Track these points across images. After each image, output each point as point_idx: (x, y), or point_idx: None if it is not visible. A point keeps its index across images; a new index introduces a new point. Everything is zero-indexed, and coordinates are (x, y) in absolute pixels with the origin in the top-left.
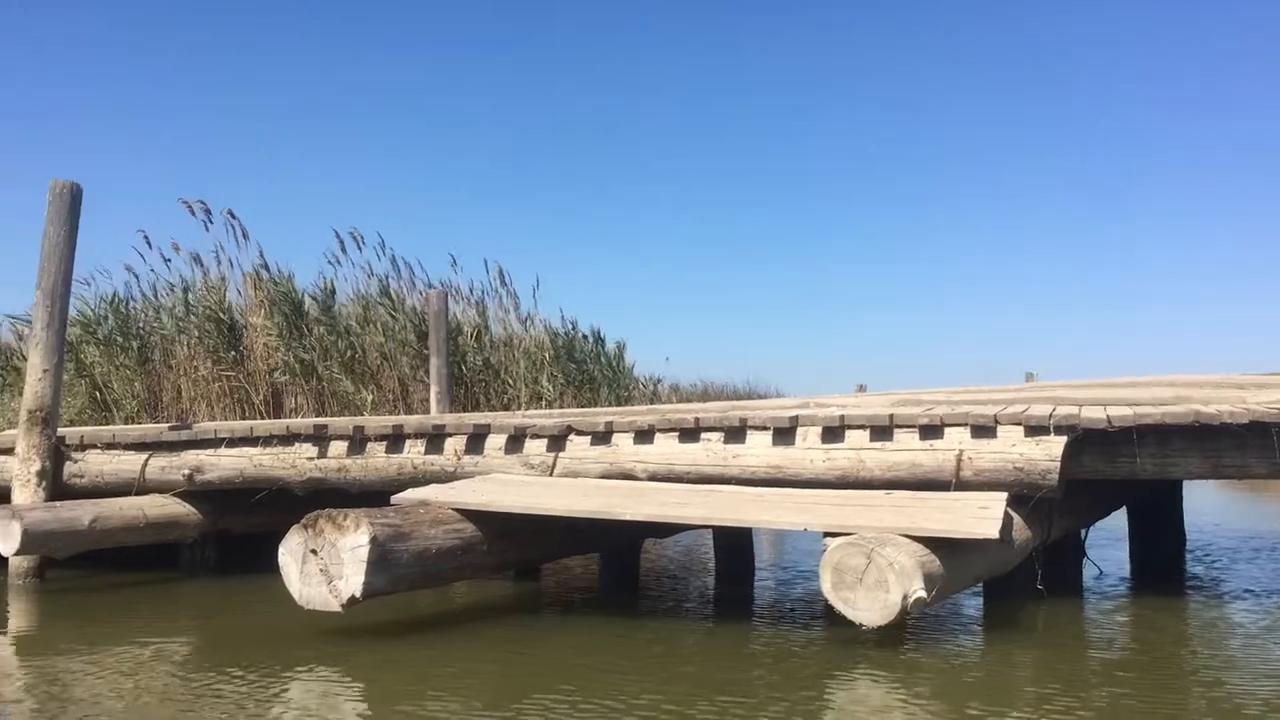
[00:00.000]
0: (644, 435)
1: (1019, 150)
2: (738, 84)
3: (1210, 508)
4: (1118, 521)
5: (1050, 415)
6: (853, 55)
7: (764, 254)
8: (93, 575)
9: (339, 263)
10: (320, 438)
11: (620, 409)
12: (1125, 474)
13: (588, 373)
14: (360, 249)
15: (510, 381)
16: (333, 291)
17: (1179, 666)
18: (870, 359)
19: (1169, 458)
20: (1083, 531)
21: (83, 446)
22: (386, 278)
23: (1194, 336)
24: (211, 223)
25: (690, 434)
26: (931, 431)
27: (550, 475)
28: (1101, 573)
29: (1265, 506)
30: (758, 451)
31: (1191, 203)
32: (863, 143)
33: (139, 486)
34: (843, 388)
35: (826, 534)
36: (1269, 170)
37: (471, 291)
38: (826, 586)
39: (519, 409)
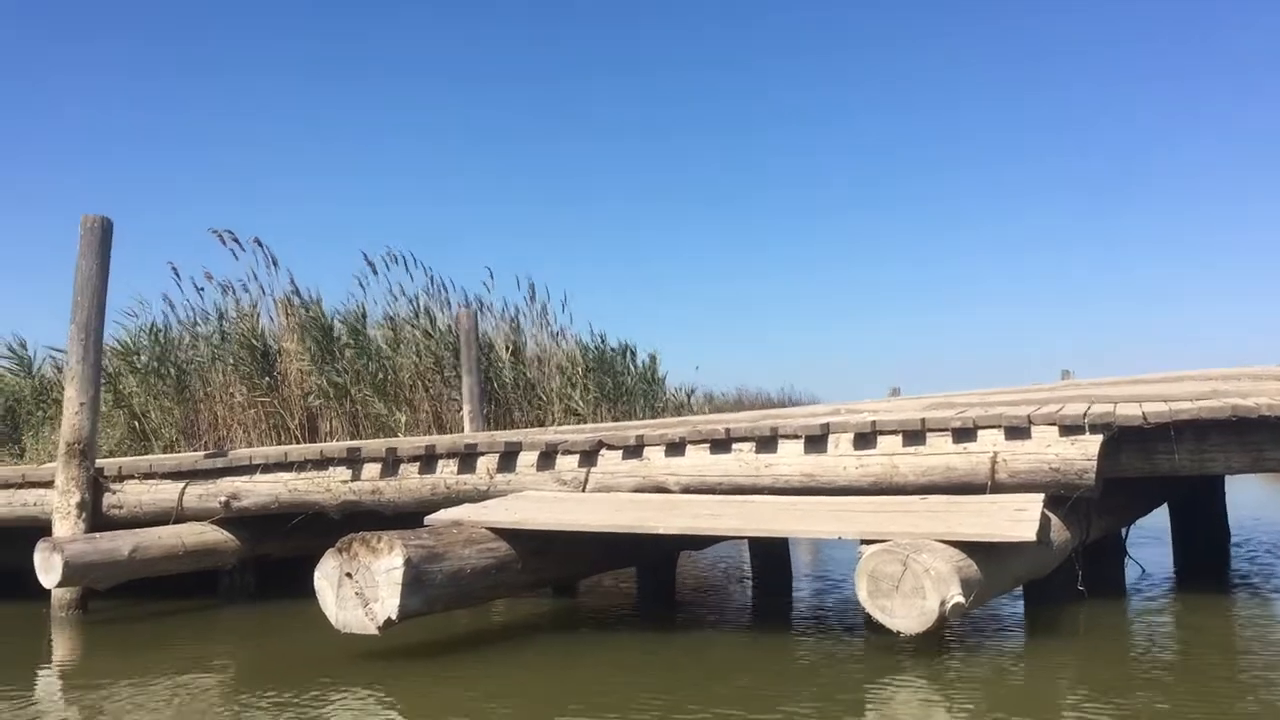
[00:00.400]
0: (675, 448)
1: (1044, 146)
2: (758, 90)
3: (1252, 502)
4: (1158, 520)
5: (1085, 414)
6: (870, 59)
7: (793, 258)
8: (134, 605)
9: (366, 285)
10: (354, 460)
11: (651, 421)
12: (1164, 471)
13: (622, 386)
14: (390, 269)
15: (544, 397)
16: (363, 314)
17: (1224, 671)
18: (903, 361)
19: (1207, 453)
20: (1123, 530)
21: (121, 477)
22: (418, 297)
23: (1229, 329)
24: (243, 250)
25: (721, 445)
26: (965, 434)
27: (583, 491)
28: (1145, 571)
29: None
30: (790, 460)
31: (1221, 194)
32: (887, 144)
33: (177, 515)
34: (877, 391)
35: (862, 541)
36: None
37: (504, 309)
38: (863, 595)
39: (553, 424)
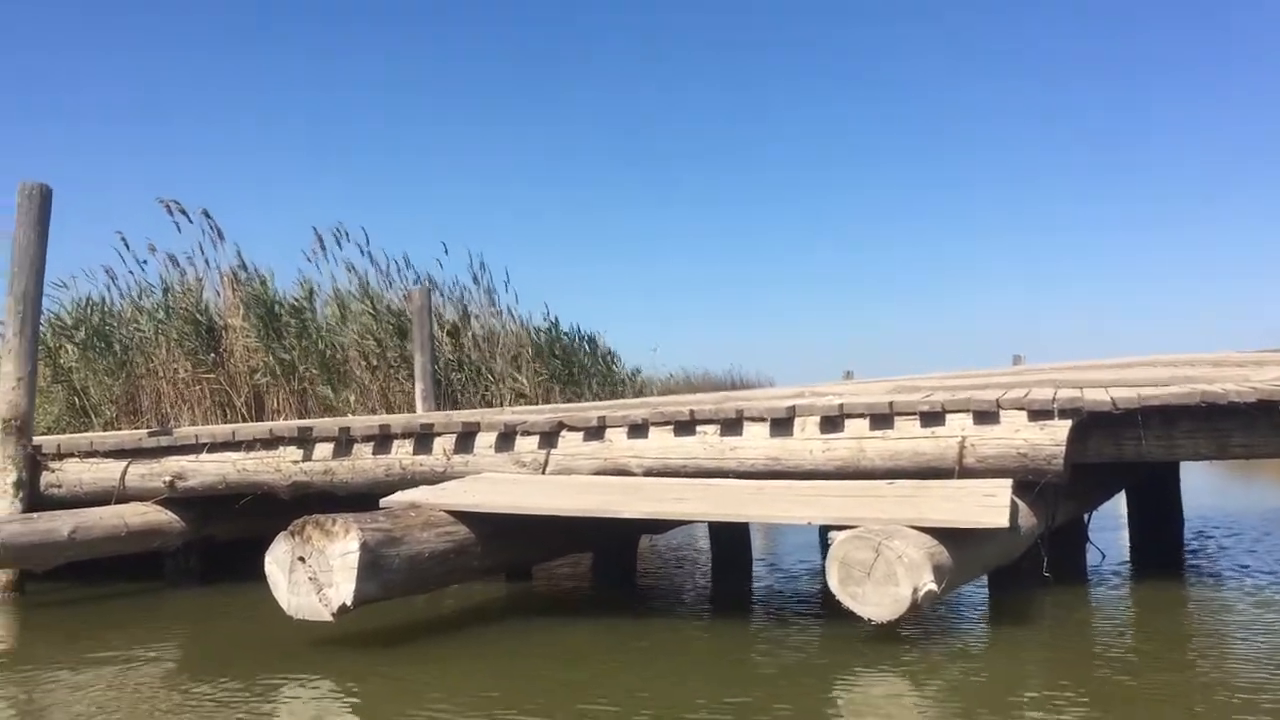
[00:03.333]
0: (638, 430)
1: (993, 138)
2: (722, 77)
3: (1204, 489)
4: (1110, 505)
5: (1054, 399)
6: (836, 48)
7: (740, 243)
8: (73, 587)
9: (316, 261)
10: (305, 440)
11: (612, 403)
12: (1131, 457)
13: (574, 367)
14: (341, 246)
15: (492, 378)
16: (311, 292)
17: (1188, 655)
18: (848, 345)
19: (1175, 439)
20: (1086, 516)
21: (60, 455)
22: (366, 274)
23: (1164, 315)
24: (190, 222)
25: (686, 427)
26: (933, 418)
27: (543, 473)
28: (1104, 556)
29: (1258, 487)
30: (755, 443)
31: (1154, 185)
32: (840, 131)
33: (119, 495)
34: (825, 375)
35: (832, 527)
36: (1234, 157)
37: (453, 288)
38: (834, 582)
39: (502, 406)
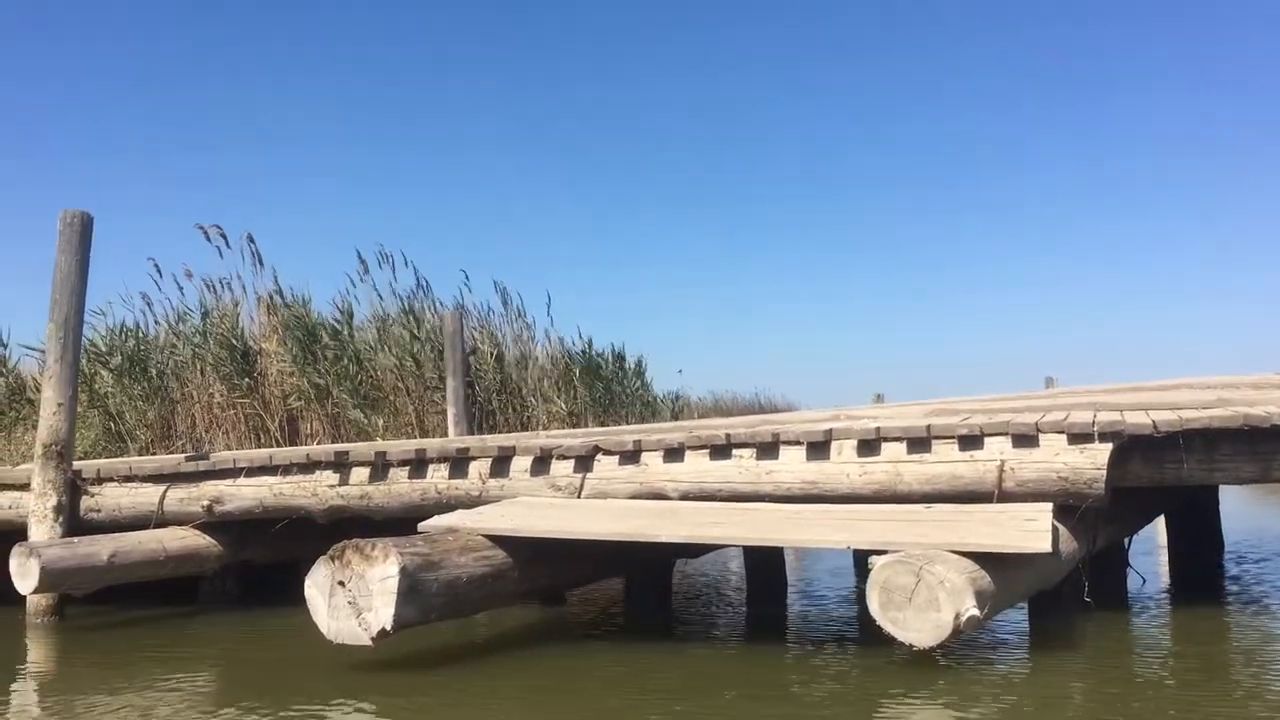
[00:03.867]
0: (673, 453)
1: (1025, 158)
2: (744, 95)
3: (1242, 513)
4: (1148, 530)
5: (1093, 422)
6: (858, 66)
7: (766, 264)
8: (112, 611)
9: (356, 284)
10: (341, 464)
11: (646, 426)
12: (1172, 480)
13: (612, 391)
14: (381, 268)
15: (531, 401)
16: (350, 315)
17: (1229, 686)
18: (876, 368)
19: (1217, 462)
20: (1126, 541)
21: (99, 480)
22: (409, 297)
23: (1195, 337)
24: (229, 247)
25: (721, 450)
26: (971, 442)
27: (578, 497)
28: (1145, 581)
29: None
30: (791, 467)
31: (1173, 206)
32: (864, 149)
33: (157, 519)
34: (852, 398)
35: (870, 552)
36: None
37: (488, 312)
38: (874, 607)
39: (539, 429)
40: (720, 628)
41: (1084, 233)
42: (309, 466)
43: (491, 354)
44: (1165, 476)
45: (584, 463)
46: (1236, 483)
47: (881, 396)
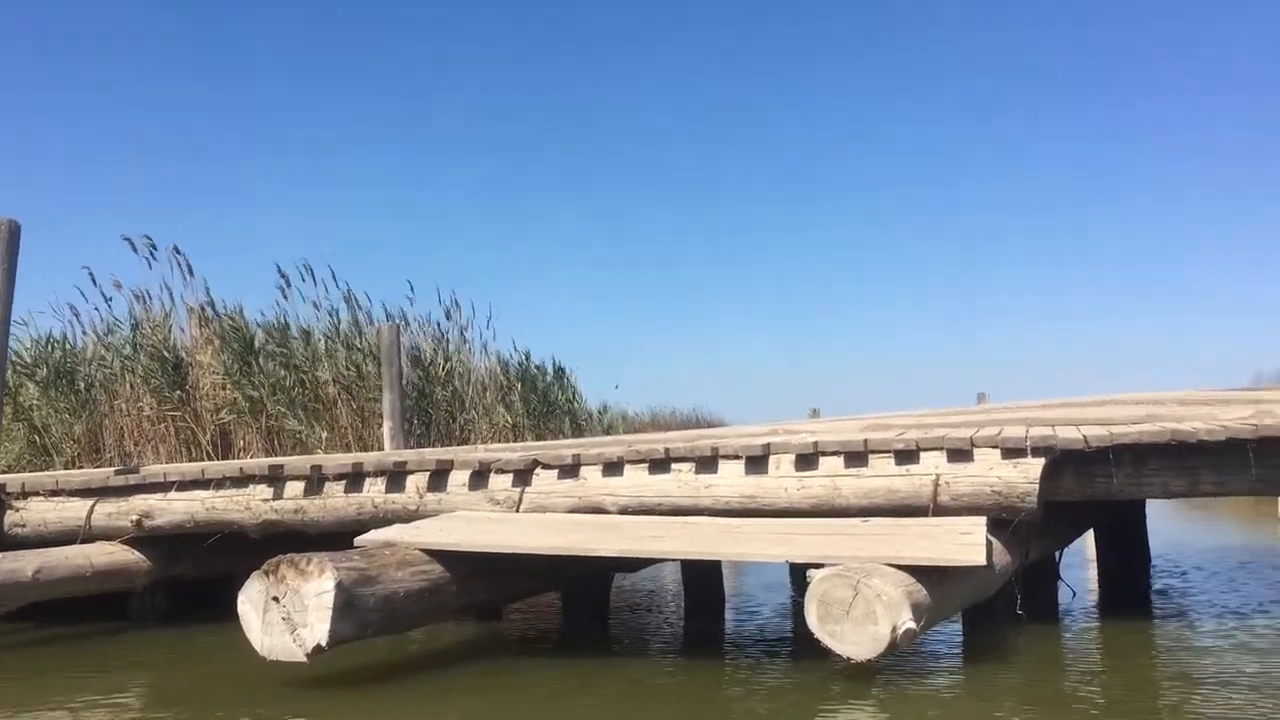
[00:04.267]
0: (613, 467)
1: (954, 176)
2: (668, 109)
3: (1167, 527)
4: (1078, 544)
5: (1027, 437)
6: (783, 82)
7: (703, 280)
8: (38, 628)
9: (286, 297)
10: (276, 478)
11: (585, 440)
12: (1102, 494)
13: (551, 403)
14: (307, 281)
15: (472, 415)
16: (285, 325)
17: (1156, 698)
18: (809, 383)
19: (1145, 477)
20: (1057, 554)
21: (24, 494)
22: (337, 312)
23: (1116, 355)
24: (155, 259)
25: (660, 465)
26: (907, 456)
27: (516, 511)
28: (1074, 594)
29: (1219, 525)
30: (730, 481)
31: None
32: (794, 165)
33: (85, 534)
34: (788, 413)
35: (808, 566)
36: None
37: (427, 324)
38: (812, 620)
39: (478, 443)
40: (658, 642)
41: (1015, 250)
42: (242, 480)
43: (438, 366)
44: (1095, 490)
45: (522, 477)
46: (1164, 497)
47: (817, 411)
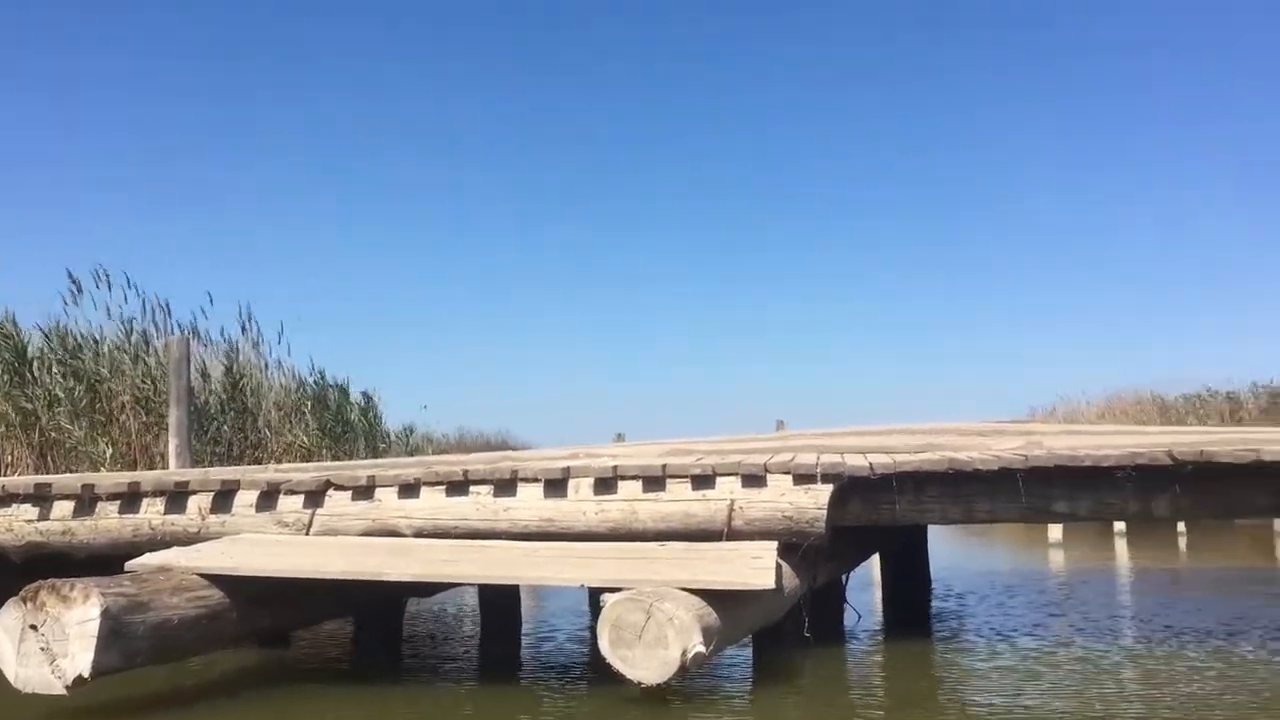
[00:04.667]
0: (409, 489)
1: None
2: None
3: (947, 552)
4: (864, 567)
5: (817, 464)
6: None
7: (519, 302)
8: None
9: (77, 303)
10: (43, 497)
11: (382, 461)
12: (886, 520)
13: (347, 423)
14: (101, 287)
15: (265, 433)
16: (65, 334)
17: (936, 714)
18: (620, 408)
19: (925, 504)
20: (844, 577)
21: None
22: (131, 321)
23: (910, 387)
24: None
25: (459, 487)
26: (704, 481)
27: (306, 534)
28: (860, 617)
29: (994, 551)
30: (529, 504)
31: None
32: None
33: None
34: (597, 437)
35: (605, 590)
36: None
37: (221, 338)
38: (605, 644)
39: (272, 463)
40: (453, 667)
41: (819, 282)
42: (4, 499)
43: (231, 382)
44: (880, 516)
45: (314, 498)
46: (943, 523)
47: (622, 436)
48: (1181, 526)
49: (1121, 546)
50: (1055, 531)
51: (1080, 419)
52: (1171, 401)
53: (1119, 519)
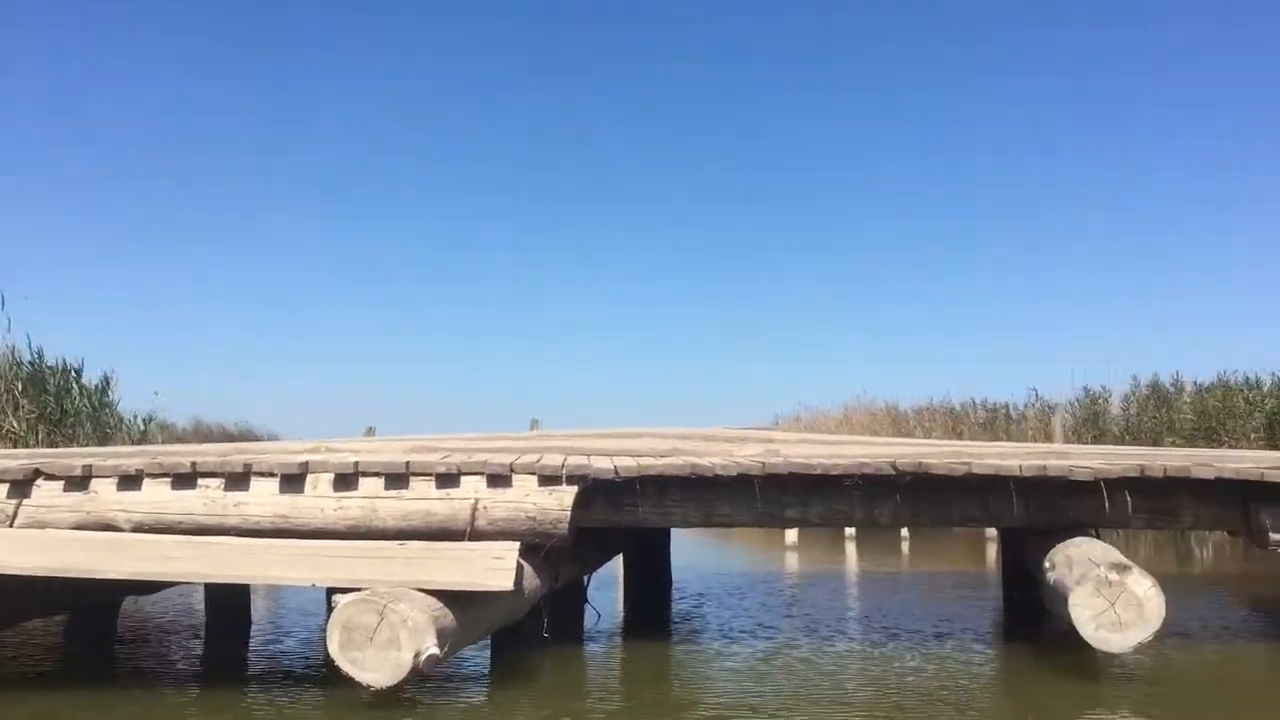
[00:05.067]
0: (130, 480)
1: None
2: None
3: (690, 553)
4: (608, 567)
5: (563, 465)
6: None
7: (258, 290)
8: None
9: None
10: None
11: (103, 450)
12: (630, 522)
13: (64, 407)
14: None
15: None
16: None
17: (673, 701)
18: (375, 401)
19: (668, 507)
20: (586, 578)
21: None
22: None
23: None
24: None
25: (186, 479)
26: (448, 480)
27: (10, 526)
28: (600, 616)
29: (735, 553)
30: (262, 500)
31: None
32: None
33: None
34: (348, 430)
35: (340, 590)
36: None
37: None
38: (334, 647)
39: None
40: (175, 668)
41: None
42: None
43: None
44: (624, 518)
45: (20, 488)
46: (684, 526)
47: (373, 430)
48: (905, 532)
49: (852, 550)
50: (791, 535)
51: (820, 428)
52: (903, 412)
53: (847, 524)
